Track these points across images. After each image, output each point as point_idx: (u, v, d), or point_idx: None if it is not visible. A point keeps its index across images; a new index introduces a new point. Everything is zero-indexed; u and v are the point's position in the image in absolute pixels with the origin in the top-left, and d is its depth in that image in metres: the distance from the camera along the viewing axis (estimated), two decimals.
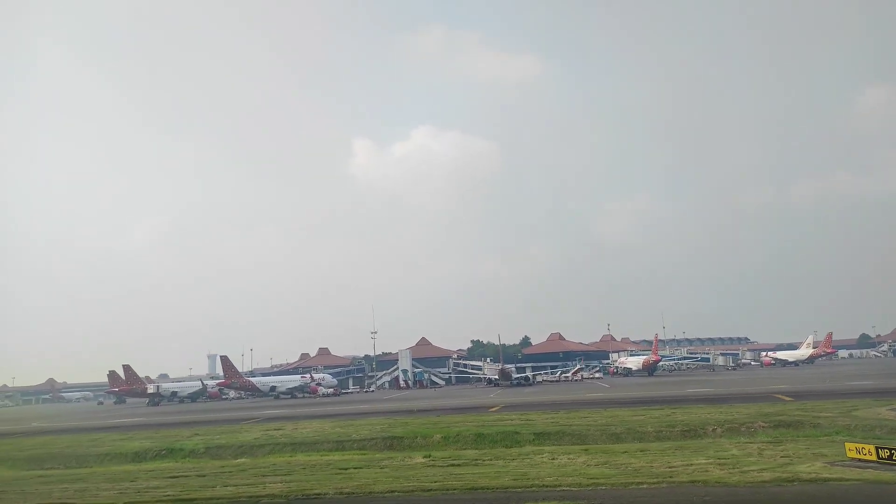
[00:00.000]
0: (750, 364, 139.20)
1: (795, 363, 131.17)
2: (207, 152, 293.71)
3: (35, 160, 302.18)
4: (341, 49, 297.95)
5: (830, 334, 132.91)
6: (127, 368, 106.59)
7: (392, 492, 15.02)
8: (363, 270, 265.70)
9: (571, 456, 21.39)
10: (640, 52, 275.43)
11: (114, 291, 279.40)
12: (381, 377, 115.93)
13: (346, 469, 21.53)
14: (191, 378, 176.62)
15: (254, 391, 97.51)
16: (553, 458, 21.18)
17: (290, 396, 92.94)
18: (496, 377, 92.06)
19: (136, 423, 54.00)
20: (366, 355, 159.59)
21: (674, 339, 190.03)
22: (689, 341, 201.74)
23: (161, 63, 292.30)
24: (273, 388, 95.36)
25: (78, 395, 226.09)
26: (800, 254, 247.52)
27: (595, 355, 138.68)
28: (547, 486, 14.46)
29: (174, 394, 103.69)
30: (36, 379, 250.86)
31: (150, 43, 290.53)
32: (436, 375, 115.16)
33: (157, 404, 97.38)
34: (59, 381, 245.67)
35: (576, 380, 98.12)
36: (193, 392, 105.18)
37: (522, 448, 26.80)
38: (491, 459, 22.08)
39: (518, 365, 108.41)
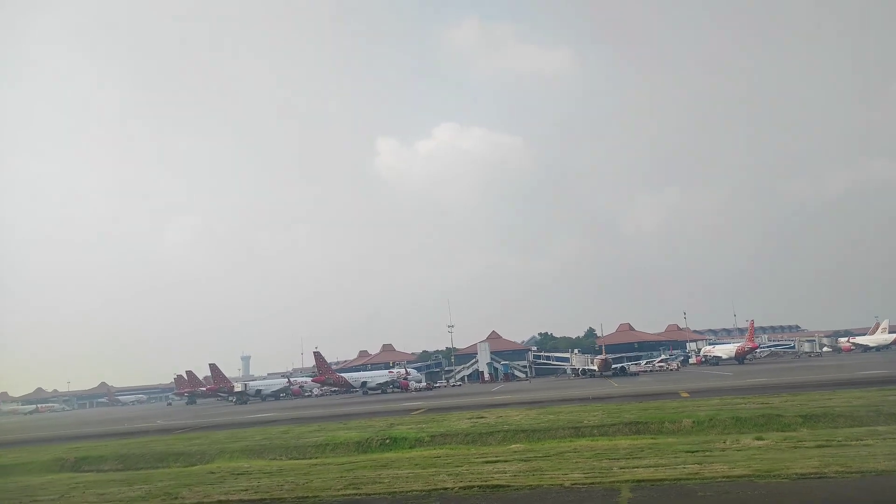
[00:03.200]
0: (822, 351, 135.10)
1: (877, 348, 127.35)
2: (234, 153, 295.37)
3: (65, 162, 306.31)
4: (370, 45, 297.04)
5: None
6: (213, 367, 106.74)
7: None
8: (389, 267, 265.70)
9: None
10: (671, 42, 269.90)
11: (143, 293, 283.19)
12: (459, 371, 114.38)
13: (693, 451, 19.63)
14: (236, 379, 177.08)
15: (344, 387, 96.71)
16: None
17: (380, 392, 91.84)
18: (593, 368, 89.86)
19: (275, 417, 52.87)
20: (422, 351, 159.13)
21: (736, 329, 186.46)
22: (742, 330, 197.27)
23: (187, 65, 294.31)
24: (364, 384, 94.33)
25: (132, 398, 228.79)
26: (837, 242, 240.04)
27: (667, 345, 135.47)
28: None
29: (258, 391, 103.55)
30: (88, 383, 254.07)
31: (176, 43, 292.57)
32: (517, 368, 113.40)
33: (245, 402, 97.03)
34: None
35: (671, 369, 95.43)
36: (276, 390, 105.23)
37: (797, 431, 24.67)
38: (842, 441, 20.02)
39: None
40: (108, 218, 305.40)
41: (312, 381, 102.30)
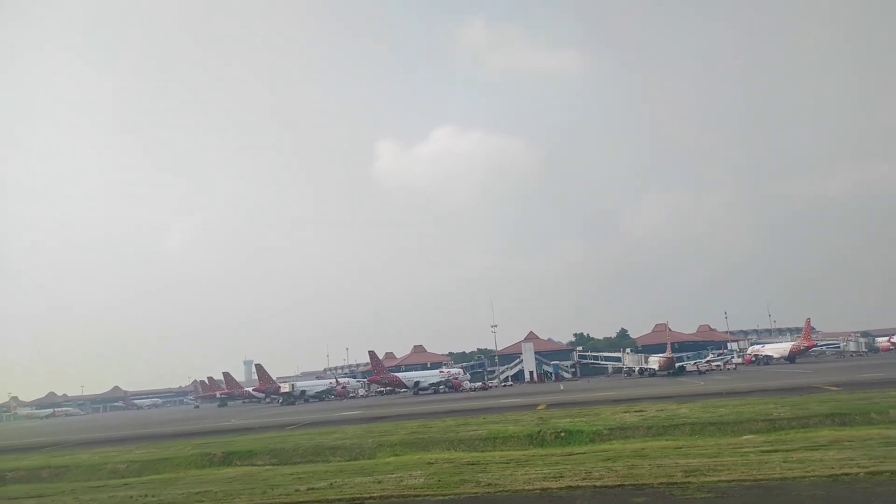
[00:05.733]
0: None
1: None
2: (235, 155, 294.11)
3: (68, 164, 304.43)
4: (375, 47, 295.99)
5: None
6: (259, 368, 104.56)
7: None
8: (392, 270, 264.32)
9: None
10: (675, 43, 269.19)
11: (145, 296, 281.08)
12: (503, 371, 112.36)
13: None
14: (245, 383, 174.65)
15: (396, 386, 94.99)
16: None
17: (432, 392, 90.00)
18: (651, 367, 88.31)
19: (368, 415, 50.93)
20: (448, 352, 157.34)
21: (755, 330, 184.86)
22: (769, 331, 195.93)
23: (187, 66, 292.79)
24: (416, 384, 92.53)
25: (148, 401, 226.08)
26: (843, 242, 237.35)
27: (704, 345, 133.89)
28: None
29: (303, 392, 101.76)
30: (98, 387, 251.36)
31: (178, 46, 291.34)
32: (564, 369, 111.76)
33: (292, 403, 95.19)
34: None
35: (730, 368, 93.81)
36: (321, 391, 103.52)
37: None
38: None
39: None
40: (111, 220, 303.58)
41: (368, 380, 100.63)
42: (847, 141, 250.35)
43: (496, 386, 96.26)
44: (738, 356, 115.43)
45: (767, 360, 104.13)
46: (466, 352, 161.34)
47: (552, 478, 15.68)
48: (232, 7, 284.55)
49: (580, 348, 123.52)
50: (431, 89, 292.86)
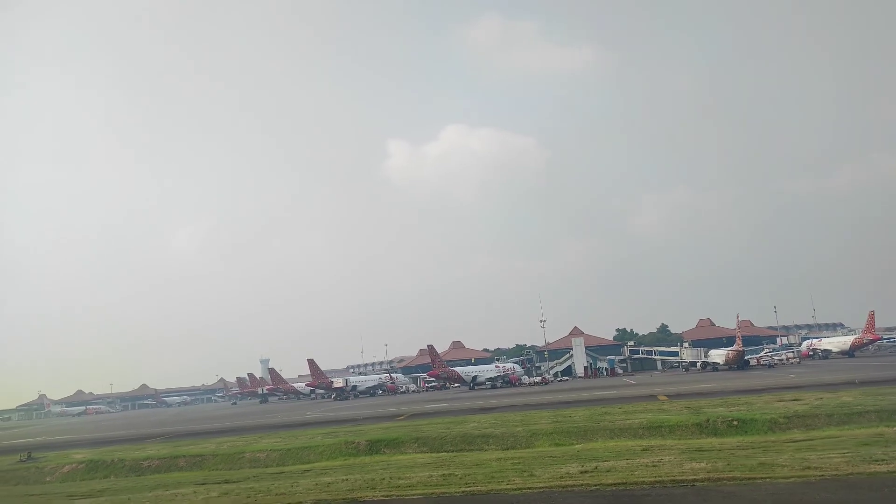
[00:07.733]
0: None
1: None
2: (246, 156, 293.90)
3: (81, 168, 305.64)
4: (389, 45, 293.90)
5: None
6: (311, 363, 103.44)
7: None
8: (403, 270, 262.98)
9: None
10: (679, 40, 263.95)
11: (154, 297, 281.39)
12: (552, 366, 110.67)
13: None
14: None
15: (453, 381, 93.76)
16: None
17: (489, 387, 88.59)
18: (714, 361, 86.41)
19: (454, 407, 49.52)
20: (483, 348, 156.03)
21: (784, 327, 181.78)
22: (798, 327, 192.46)
23: (195, 67, 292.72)
24: (474, 378, 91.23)
25: (177, 399, 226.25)
26: (852, 238, 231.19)
27: (752, 340, 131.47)
28: None
29: (354, 387, 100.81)
30: (127, 385, 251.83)
31: (186, 46, 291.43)
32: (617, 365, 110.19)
33: (346, 398, 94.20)
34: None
35: (793, 362, 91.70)
36: (371, 386, 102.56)
37: None
38: None
39: None
40: (115, 221, 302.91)
41: (429, 374, 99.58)
42: (849, 136, 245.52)
43: (552, 381, 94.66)
44: (792, 351, 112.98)
45: (826, 354, 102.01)
46: (501, 347, 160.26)
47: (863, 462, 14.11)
48: (241, 8, 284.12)
49: (630, 343, 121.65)
50: (444, 87, 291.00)
